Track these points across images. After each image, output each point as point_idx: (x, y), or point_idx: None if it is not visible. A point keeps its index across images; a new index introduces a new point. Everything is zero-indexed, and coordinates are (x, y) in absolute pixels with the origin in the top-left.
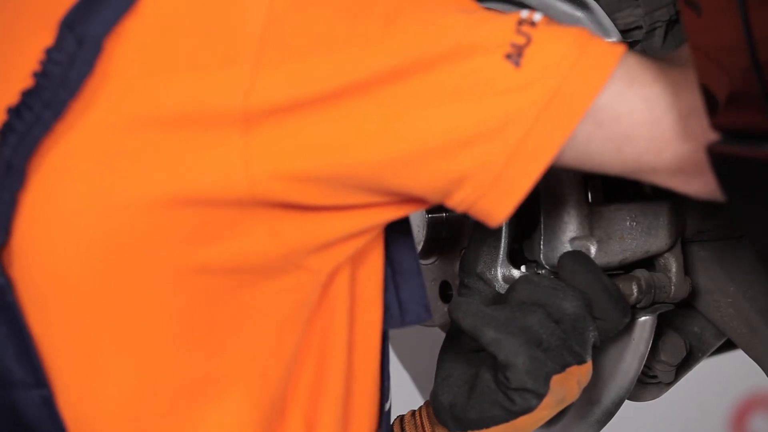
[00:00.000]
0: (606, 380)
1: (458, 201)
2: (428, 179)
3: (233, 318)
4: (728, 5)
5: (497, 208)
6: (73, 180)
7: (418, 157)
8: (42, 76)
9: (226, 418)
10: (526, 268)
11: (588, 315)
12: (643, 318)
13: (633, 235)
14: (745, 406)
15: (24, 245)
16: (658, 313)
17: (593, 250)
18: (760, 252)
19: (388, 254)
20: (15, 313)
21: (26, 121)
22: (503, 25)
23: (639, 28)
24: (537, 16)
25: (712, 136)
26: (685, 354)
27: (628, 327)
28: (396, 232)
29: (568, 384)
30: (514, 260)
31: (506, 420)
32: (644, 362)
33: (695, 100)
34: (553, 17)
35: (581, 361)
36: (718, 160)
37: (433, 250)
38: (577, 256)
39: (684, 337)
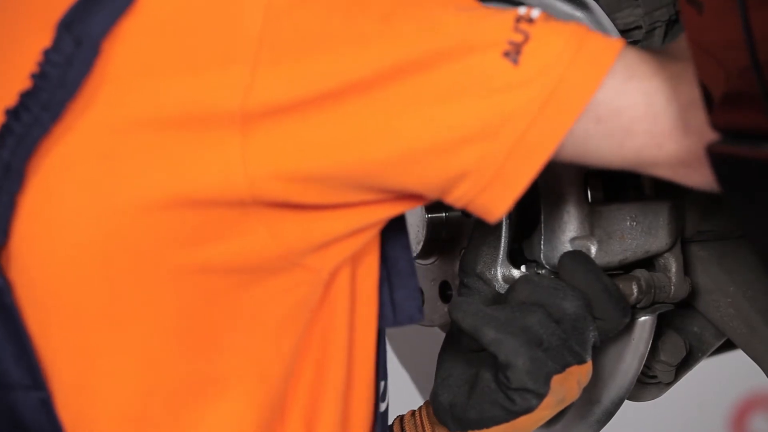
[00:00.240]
0: (606, 380)
1: (457, 197)
2: (428, 176)
3: (233, 318)
4: (730, 4)
5: (496, 203)
6: (72, 181)
7: (417, 155)
8: (40, 77)
9: (226, 419)
10: (526, 268)
11: (588, 315)
12: (642, 318)
13: (633, 235)
14: (745, 406)
15: (23, 247)
16: (657, 313)
17: (593, 249)
18: (760, 252)
19: (383, 253)
20: (13, 315)
21: (24, 122)
22: (501, 22)
23: (639, 28)
24: (535, 13)
25: (713, 131)
26: (684, 354)
27: (628, 327)
28: (391, 232)
29: (568, 384)
30: (514, 260)
31: (506, 420)
32: (644, 362)
33: (695, 93)
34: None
35: (581, 361)
36: (718, 160)
37: (432, 250)
38: (577, 256)
39: (684, 337)
